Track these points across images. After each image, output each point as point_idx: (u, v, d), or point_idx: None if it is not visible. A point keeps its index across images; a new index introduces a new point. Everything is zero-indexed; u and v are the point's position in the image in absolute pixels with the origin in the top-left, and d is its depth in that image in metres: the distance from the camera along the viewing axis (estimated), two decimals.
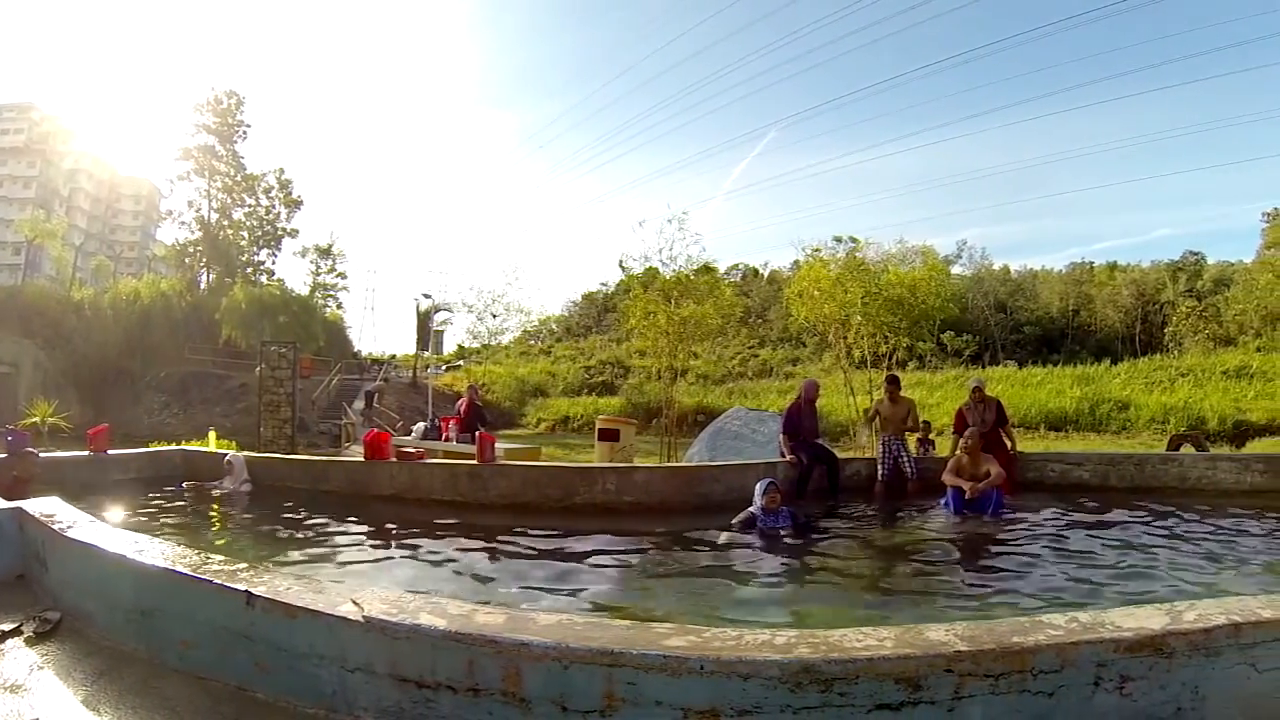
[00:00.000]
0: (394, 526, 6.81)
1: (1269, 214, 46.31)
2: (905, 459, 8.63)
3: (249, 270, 50.66)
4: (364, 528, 6.72)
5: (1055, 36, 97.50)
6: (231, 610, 2.82)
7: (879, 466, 8.66)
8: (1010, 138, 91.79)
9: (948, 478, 7.44)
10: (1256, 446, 22.64)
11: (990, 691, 2.16)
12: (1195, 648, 2.32)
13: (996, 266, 58.92)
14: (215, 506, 7.70)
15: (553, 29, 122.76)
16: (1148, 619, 2.43)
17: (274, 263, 53.12)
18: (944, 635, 2.28)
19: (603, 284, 69.00)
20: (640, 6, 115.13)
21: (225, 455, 8.76)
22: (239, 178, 50.04)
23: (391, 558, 5.82)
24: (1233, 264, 51.04)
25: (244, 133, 50.13)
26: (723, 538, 6.18)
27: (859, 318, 18.13)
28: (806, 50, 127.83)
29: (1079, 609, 2.80)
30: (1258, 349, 36.99)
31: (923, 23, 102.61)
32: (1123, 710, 2.27)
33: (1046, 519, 6.98)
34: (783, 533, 6.32)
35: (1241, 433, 25.42)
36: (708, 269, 23.91)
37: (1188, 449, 14.80)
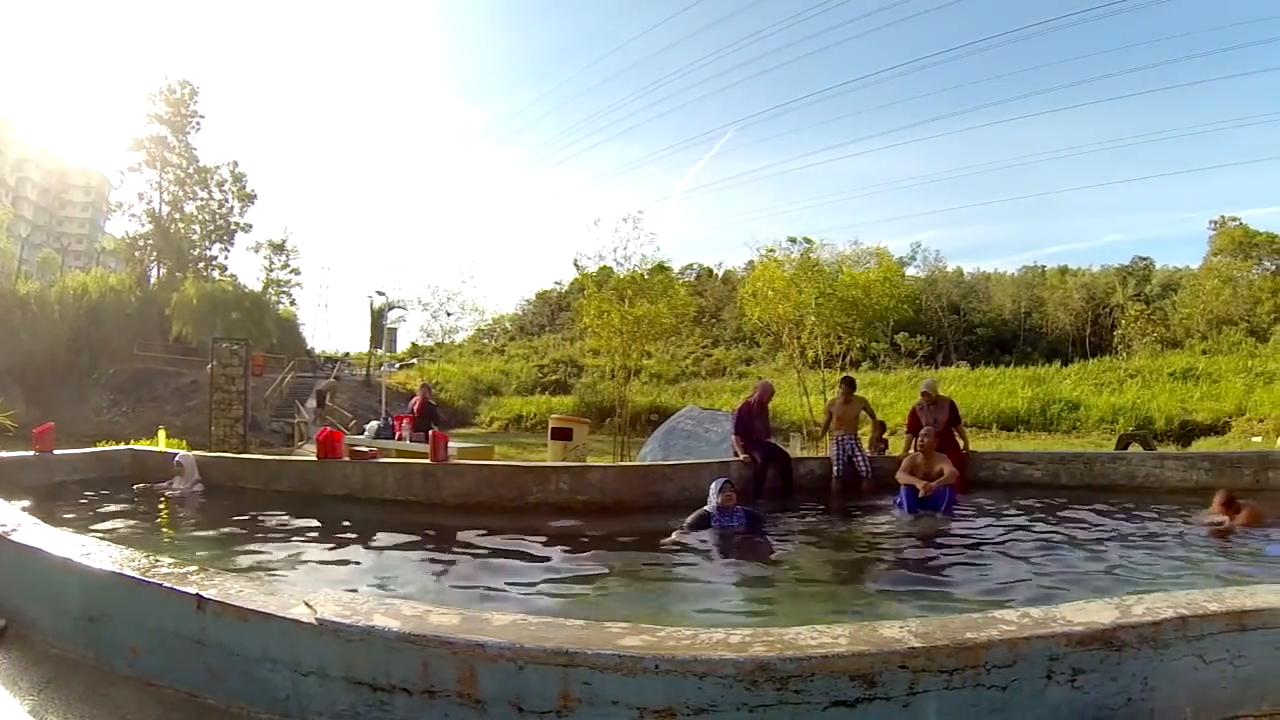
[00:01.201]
0: (347, 527, 6.73)
1: (1216, 222, 48.12)
2: (859, 457, 8.75)
3: (201, 265, 49.43)
4: (317, 528, 6.63)
5: (1012, 45, 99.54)
6: (182, 614, 2.78)
7: (834, 465, 8.77)
8: (966, 143, 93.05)
9: (902, 476, 7.55)
10: (1202, 445, 23.38)
11: (944, 687, 2.20)
12: (1144, 640, 2.40)
13: (950, 269, 60.05)
14: (165, 508, 7.54)
15: (512, 24, 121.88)
16: (1098, 613, 2.50)
17: (226, 258, 51.86)
18: (898, 632, 2.32)
19: (557, 283, 68.92)
20: (599, 5, 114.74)
21: (175, 455, 8.59)
22: (191, 170, 48.71)
23: (345, 559, 5.75)
24: (1180, 269, 52.92)
25: (197, 124, 48.80)
26: (676, 536, 6.22)
27: (813, 318, 18.28)
28: (766, 52, 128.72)
29: (1031, 604, 2.86)
30: (1203, 352, 38.35)
31: (883, 28, 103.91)
32: (1075, 702, 2.34)
33: (998, 517, 7.13)
34: (738, 532, 6.38)
35: (1187, 432, 26.19)
36: (662, 268, 23.94)
37: (1136, 448, 15.21)
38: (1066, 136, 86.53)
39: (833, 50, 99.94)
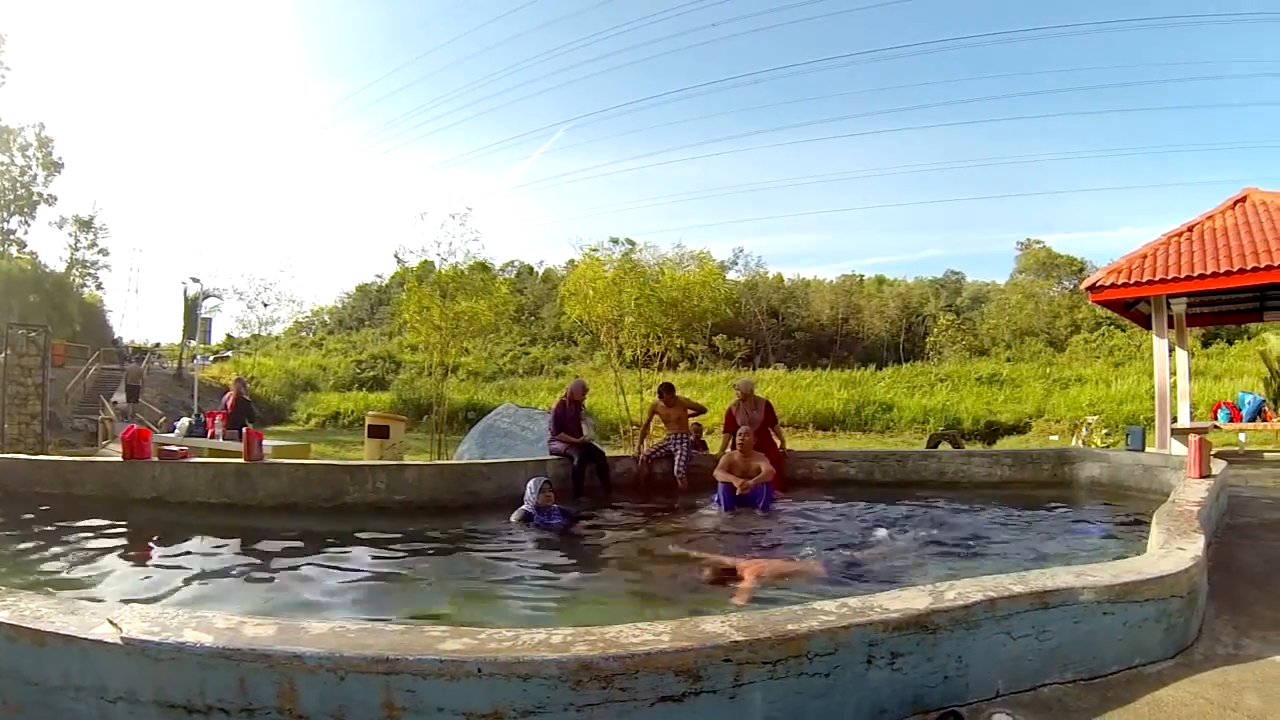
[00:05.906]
0: (157, 533, 6.40)
1: (1022, 243, 53.76)
2: (679, 455, 8.98)
3: None
4: (123, 536, 6.20)
5: (848, 66, 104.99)
6: None
7: (675, 462, 8.97)
8: (789, 155, 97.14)
9: (719, 474, 7.72)
10: (1005, 444, 25.60)
11: (769, 677, 2.29)
12: (957, 623, 2.64)
13: (771, 274, 61.19)
14: None
15: (347, 4, 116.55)
16: (913, 600, 2.71)
17: (26, 233, 46.65)
18: (720, 626, 2.39)
19: (377, 276, 67.62)
20: None
21: None
22: None
23: (154, 569, 5.43)
24: (989, 284, 57.78)
25: (2, 77, 43.91)
26: (497, 535, 6.26)
27: (631, 318, 18.39)
28: (602, 54, 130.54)
29: (849, 594, 3.03)
30: (1007, 359, 42.60)
31: (712, 42, 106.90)
32: (895, 683, 2.52)
33: (814, 512, 7.51)
34: (557, 530, 6.49)
35: (992, 431, 28.67)
36: (484, 267, 23.61)
37: (945, 446, 16.44)
38: (892, 157, 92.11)
39: (665, 58, 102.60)
